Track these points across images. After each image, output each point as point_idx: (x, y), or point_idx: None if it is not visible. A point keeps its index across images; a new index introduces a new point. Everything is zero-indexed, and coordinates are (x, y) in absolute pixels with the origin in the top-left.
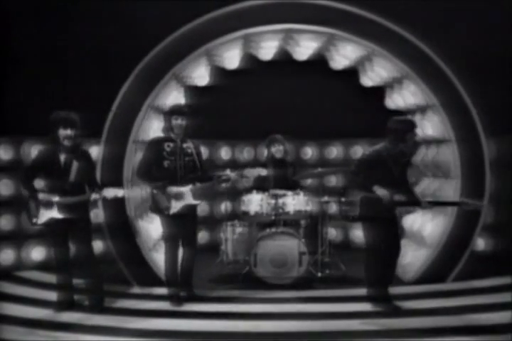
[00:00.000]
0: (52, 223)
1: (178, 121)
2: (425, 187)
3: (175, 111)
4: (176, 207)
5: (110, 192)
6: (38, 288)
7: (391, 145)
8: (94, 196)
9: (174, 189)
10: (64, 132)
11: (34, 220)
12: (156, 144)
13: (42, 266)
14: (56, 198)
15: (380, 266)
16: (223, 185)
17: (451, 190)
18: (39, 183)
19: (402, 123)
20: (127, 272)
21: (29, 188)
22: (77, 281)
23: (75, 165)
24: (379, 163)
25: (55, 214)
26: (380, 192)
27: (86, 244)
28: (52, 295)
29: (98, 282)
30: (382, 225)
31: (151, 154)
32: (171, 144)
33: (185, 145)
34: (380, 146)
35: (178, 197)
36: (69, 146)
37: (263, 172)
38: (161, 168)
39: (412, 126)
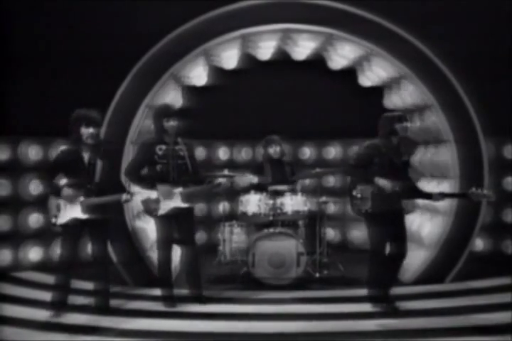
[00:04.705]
0: (73, 223)
1: (170, 123)
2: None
3: (165, 112)
4: (164, 208)
5: (144, 195)
6: (36, 289)
7: (384, 139)
8: (125, 197)
9: (162, 190)
10: (86, 130)
11: (54, 220)
12: (149, 147)
13: (39, 267)
14: (81, 198)
15: (383, 266)
16: (216, 189)
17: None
18: (61, 182)
19: (390, 116)
20: (124, 272)
21: (51, 188)
22: (77, 282)
23: (99, 164)
24: (378, 154)
25: (79, 214)
26: (381, 182)
27: (104, 244)
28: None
29: (107, 283)
30: (390, 224)
31: (142, 157)
32: (163, 147)
33: (177, 147)
34: (375, 141)
35: (167, 198)
36: (92, 145)
37: (254, 179)
38: (154, 171)
39: (399, 118)
